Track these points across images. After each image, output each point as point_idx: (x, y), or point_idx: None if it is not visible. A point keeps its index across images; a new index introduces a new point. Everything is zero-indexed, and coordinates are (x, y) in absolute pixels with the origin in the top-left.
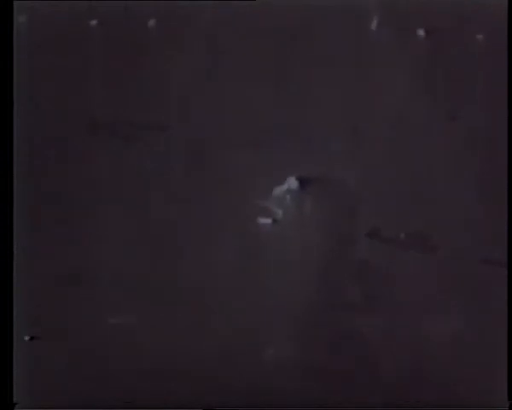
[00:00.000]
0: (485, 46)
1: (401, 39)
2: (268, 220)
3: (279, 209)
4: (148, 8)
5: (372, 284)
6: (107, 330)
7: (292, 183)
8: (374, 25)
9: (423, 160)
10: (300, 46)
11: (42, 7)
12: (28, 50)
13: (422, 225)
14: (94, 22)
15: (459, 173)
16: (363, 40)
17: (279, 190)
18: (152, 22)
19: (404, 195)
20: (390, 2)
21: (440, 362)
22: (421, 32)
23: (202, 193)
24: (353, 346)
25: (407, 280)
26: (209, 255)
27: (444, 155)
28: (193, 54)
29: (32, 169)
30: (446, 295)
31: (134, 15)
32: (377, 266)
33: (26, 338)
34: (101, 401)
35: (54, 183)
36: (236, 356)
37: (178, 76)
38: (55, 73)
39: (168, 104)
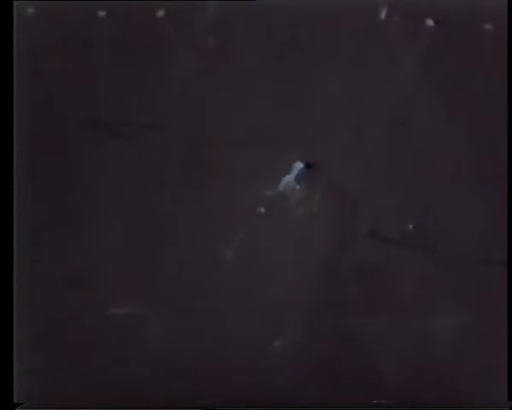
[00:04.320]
0: (494, 36)
1: (410, 29)
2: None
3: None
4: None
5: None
6: (108, 331)
7: (299, 167)
8: (383, 14)
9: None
10: (310, 31)
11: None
12: (34, 44)
13: (423, 224)
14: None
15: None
16: (372, 30)
17: (287, 179)
18: (157, 19)
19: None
20: None
21: (441, 362)
22: (430, 22)
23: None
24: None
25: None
26: (209, 252)
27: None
28: (193, 54)
29: (32, 169)
30: (446, 294)
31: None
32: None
33: None
34: (101, 401)
35: (54, 182)
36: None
37: (179, 76)
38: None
39: (168, 104)
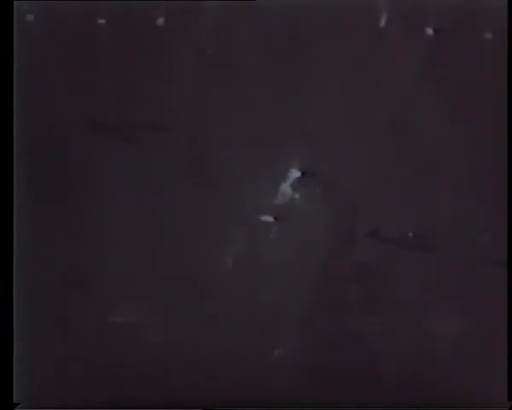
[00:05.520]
0: (494, 45)
1: (409, 37)
2: (270, 219)
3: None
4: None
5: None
6: (108, 330)
7: (295, 175)
8: (382, 22)
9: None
10: (306, 42)
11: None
12: (32, 49)
13: (422, 224)
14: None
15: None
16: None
17: (284, 187)
18: (159, 21)
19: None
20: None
21: (441, 362)
22: (429, 31)
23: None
24: (353, 346)
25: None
26: (209, 255)
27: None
28: (193, 54)
29: (33, 169)
30: (446, 295)
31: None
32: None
33: None
34: (101, 400)
35: (54, 183)
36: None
37: (179, 76)
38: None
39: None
